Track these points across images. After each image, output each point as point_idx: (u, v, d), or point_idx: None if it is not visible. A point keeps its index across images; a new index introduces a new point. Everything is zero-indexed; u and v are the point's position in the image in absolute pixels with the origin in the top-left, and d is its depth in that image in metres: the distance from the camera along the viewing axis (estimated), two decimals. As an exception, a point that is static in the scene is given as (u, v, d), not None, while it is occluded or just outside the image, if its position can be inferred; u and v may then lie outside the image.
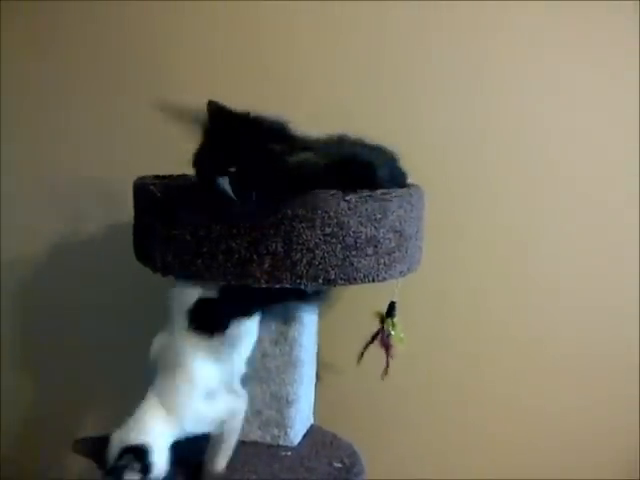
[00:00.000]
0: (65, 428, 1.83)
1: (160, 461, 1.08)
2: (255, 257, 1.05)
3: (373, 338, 1.40)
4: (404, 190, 1.19)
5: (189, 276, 1.11)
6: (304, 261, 1.05)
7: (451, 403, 1.71)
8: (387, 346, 1.39)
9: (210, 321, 1.16)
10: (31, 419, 1.93)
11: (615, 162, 1.59)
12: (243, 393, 1.22)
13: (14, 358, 1.90)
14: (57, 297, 1.87)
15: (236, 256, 1.06)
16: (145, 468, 1.06)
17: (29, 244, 1.84)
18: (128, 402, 1.14)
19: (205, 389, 1.14)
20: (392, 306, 1.38)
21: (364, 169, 1.13)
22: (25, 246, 1.84)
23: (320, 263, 1.06)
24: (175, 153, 1.54)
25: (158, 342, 1.19)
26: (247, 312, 1.20)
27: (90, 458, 1.10)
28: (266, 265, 1.06)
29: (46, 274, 1.86)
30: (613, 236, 1.61)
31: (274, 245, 1.05)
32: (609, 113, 1.57)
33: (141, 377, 1.16)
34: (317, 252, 1.06)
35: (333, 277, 1.08)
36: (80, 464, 1.52)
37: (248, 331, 1.21)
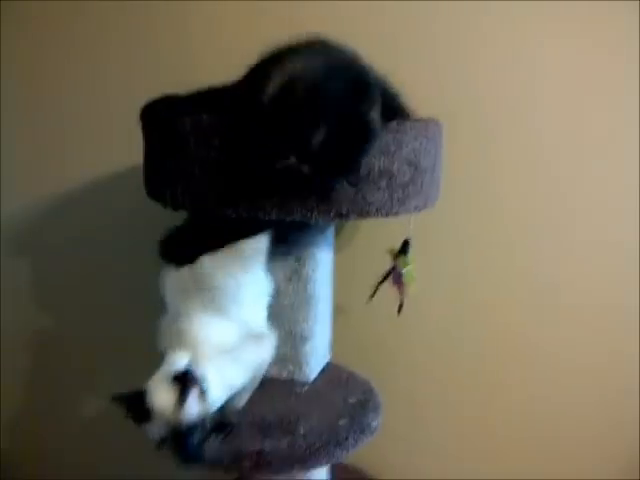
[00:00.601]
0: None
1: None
2: (267, 189, 1.03)
3: (385, 276, 1.38)
4: (420, 122, 1.15)
5: (199, 209, 1.10)
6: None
7: (465, 342, 1.69)
8: (399, 284, 1.36)
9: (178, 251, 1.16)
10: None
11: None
12: (268, 334, 1.20)
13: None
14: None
15: (245, 189, 1.04)
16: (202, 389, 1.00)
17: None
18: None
19: (223, 352, 1.08)
20: (406, 243, 1.35)
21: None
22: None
23: (332, 196, 1.04)
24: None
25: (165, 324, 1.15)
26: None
27: (129, 410, 1.01)
28: (276, 198, 1.03)
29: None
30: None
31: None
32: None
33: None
34: (328, 184, 1.03)
35: (345, 211, 1.05)
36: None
37: (249, 281, 1.18)
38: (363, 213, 1.07)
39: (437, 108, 1.29)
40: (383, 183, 1.07)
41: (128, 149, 1.58)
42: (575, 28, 1.50)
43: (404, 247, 1.35)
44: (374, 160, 1.05)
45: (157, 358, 1.08)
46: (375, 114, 1.00)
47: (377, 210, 1.08)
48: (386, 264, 1.37)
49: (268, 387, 1.30)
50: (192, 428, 0.97)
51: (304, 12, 1.55)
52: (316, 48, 1.08)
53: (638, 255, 1.56)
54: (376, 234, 1.58)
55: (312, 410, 1.24)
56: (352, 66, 1.06)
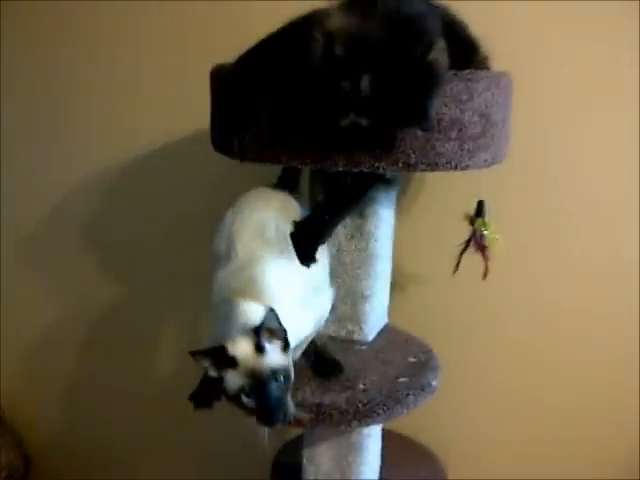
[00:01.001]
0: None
1: None
2: (334, 139, 1.01)
3: (467, 242, 1.33)
4: (492, 73, 1.11)
5: (268, 160, 1.08)
6: (383, 143, 1.01)
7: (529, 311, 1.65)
8: (482, 247, 1.31)
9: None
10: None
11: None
12: (328, 288, 1.19)
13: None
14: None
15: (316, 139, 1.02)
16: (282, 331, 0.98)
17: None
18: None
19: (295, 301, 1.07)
20: (481, 205, 1.30)
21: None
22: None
23: (400, 146, 1.01)
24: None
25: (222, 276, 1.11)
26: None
27: (212, 360, 0.98)
28: (344, 150, 1.02)
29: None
30: None
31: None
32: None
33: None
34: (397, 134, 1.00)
35: (414, 161, 1.03)
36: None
37: None
38: (432, 164, 1.04)
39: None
40: (453, 133, 1.04)
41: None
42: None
43: (479, 209, 1.31)
44: (445, 109, 1.01)
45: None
46: (436, 55, 0.96)
47: (447, 162, 1.05)
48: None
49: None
50: (274, 378, 0.95)
51: None
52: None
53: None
54: (439, 197, 1.55)
55: (371, 368, 1.24)
56: (402, 13, 1.02)
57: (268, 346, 0.96)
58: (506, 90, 1.14)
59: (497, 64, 1.23)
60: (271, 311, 0.96)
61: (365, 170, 1.03)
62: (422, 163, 1.03)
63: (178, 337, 1.92)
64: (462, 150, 1.06)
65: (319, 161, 1.04)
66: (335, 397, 1.12)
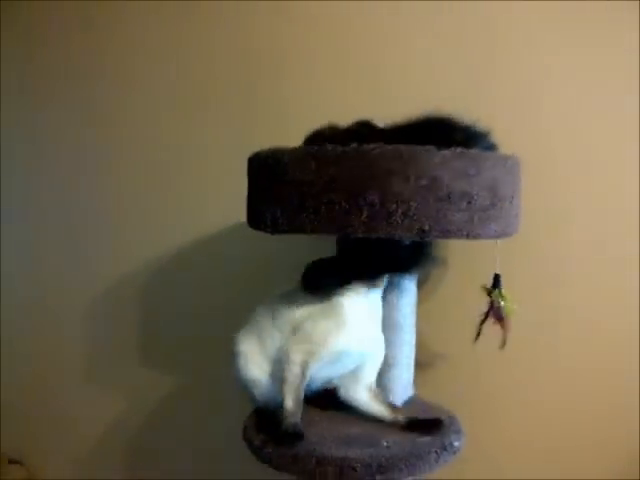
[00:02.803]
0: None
1: None
2: (354, 208, 1.14)
3: (487, 314, 1.41)
4: (498, 153, 1.24)
5: (295, 229, 1.21)
6: (399, 212, 1.13)
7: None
8: (500, 318, 1.40)
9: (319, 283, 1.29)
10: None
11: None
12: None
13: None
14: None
15: (337, 207, 1.15)
16: None
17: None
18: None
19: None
20: (497, 278, 1.40)
21: (448, 121, 1.21)
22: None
23: (415, 214, 1.13)
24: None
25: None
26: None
27: None
28: (364, 215, 1.14)
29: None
30: None
31: (371, 197, 1.13)
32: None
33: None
34: (412, 203, 1.13)
35: (427, 228, 1.14)
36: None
37: None
38: (444, 232, 1.15)
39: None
40: (463, 204, 1.16)
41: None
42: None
43: (496, 281, 1.41)
44: (455, 182, 1.14)
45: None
46: None
47: (458, 230, 1.16)
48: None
49: (352, 410, 1.35)
50: None
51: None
52: None
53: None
54: (459, 270, 1.64)
55: (394, 431, 1.28)
56: None
57: None
58: (513, 170, 1.26)
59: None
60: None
61: (383, 236, 1.15)
62: (435, 230, 1.14)
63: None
64: (472, 219, 1.17)
65: (340, 229, 1.16)
66: (359, 452, 1.16)
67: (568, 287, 1.64)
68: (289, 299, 1.34)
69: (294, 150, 1.22)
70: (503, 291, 1.39)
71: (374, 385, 1.34)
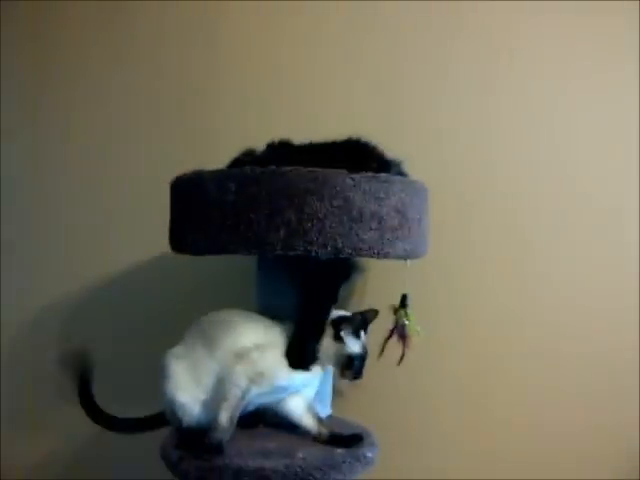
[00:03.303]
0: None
1: None
2: (272, 227, 1.20)
3: (391, 332, 1.51)
4: (406, 178, 1.34)
5: (216, 250, 1.26)
6: (314, 230, 1.20)
7: (463, 397, 1.78)
8: (403, 336, 1.49)
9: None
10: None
11: (615, 160, 1.72)
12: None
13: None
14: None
15: (255, 226, 1.21)
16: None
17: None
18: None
19: None
20: (404, 297, 1.50)
21: (363, 148, 1.31)
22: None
23: (329, 232, 1.20)
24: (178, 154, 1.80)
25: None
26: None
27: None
28: (281, 233, 1.20)
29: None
30: (615, 234, 1.73)
31: (288, 216, 1.20)
32: (609, 113, 1.71)
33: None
34: (326, 222, 1.20)
35: (340, 245, 1.21)
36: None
37: None
38: (356, 249, 1.23)
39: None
40: (374, 224, 1.24)
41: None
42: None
43: (403, 301, 1.50)
44: (365, 203, 1.23)
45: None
46: None
47: (369, 248, 1.24)
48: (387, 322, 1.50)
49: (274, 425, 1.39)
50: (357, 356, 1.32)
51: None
52: None
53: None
54: (377, 293, 1.73)
55: (310, 444, 1.32)
56: None
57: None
58: (420, 194, 1.37)
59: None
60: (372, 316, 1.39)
61: (300, 253, 1.21)
62: (347, 247, 1.22)
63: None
64: (382, 239, 1.25)
65: (258, 247, 1.22)
66: (275, 463, 1.20)
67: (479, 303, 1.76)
68: (226, 326, 1.36)
69: (215, 172, 1.28)
70: (409, 311, 1.48)
71: (313, 406, 1.39)
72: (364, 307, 1.42)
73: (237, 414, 1.27)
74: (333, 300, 1.37)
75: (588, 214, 1.74)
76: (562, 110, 1.75)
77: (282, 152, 1.33)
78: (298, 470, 1.18)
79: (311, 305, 1.35)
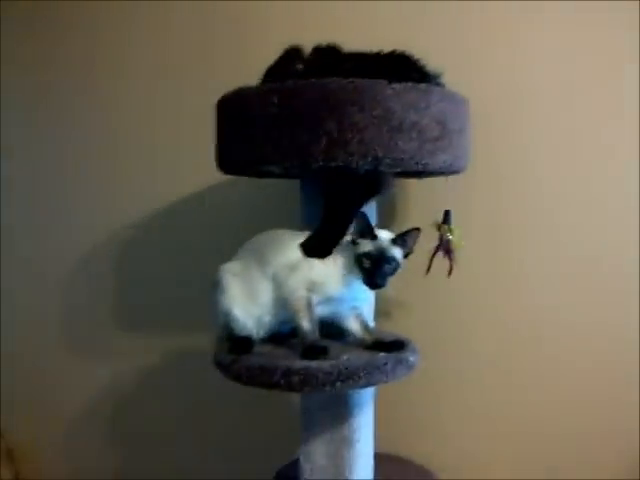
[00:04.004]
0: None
1: None
2: (313, 138, 1.23)
3: (437, 248, 1.53)
4: (446, 89, 1.34)
5: (261, 163, 1.30)
6: (355, 140, 1.22)
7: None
8: (448, 251, 1.52)
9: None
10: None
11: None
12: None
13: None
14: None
15: (297, 138, 1.24)
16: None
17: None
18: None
19: None
20: (447, 213, 1.52)
21: (405, 59, 1.32)
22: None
23: (369, 142, 1.23)
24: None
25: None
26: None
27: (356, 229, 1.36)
28: (323, 144, 1.23)
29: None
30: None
31: (329, 126, 1.22)
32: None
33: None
34: (366, 132, 1.22)
35: (381, 155, 1.24)
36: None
37: None
38: (396, 160, 1.25)
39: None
40: (414, 134, 1.26)
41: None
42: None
43: (446, 217, 1.52)
44: (405, 113, 1.24)
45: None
46: None
47: (410, 158, 1.26)
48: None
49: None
50: (390, 261, 1.33)
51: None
52: None
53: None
54: (416, 207, 1.77)
55: (355, 349, 1.38)
56: None
57: (398, 246, 1.34)
58: (461, 106, 1.37)
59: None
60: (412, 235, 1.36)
61: (341, 164, 1.24)
62: (388, 158, 1.24)
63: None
64: (422, 149, 1.27)
65: (302, 157, 1.25)
66: (321, 364, 1.26)
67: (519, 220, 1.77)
68: (275, 244, 1.42)
69: (257, 87, 1.31)
70: (452, 226, 1.50)
71: (361, 314, 1.44)
72: (408, 226, 1.45)
73: (314, 317, 1.35)
74: (356, 205, 1.39)
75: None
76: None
77: (327, 58, 1.33)
78: (342, 369, 1.24)
79: (334, 207, 1.39)
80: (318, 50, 1.38)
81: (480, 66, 1.75)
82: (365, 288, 1.36)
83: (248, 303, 1.40)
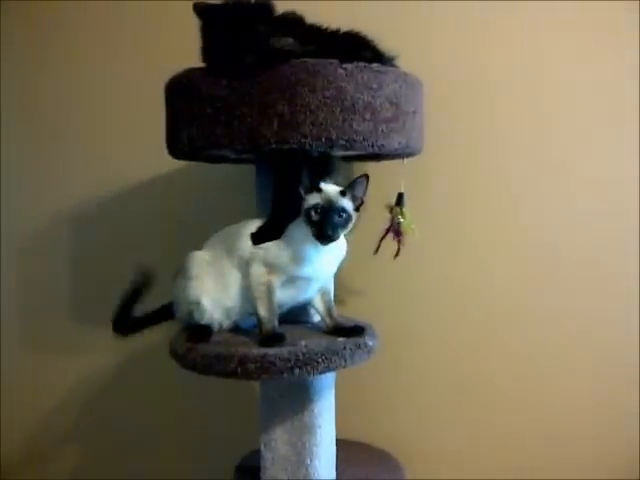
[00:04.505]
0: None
1: None
2: (265, 120, 1.20)
3: (386, 230, 1.53)
4: (400, 70, 1.33)
5: (211, 146, 1.27)
6: (308, 122, 1.20)
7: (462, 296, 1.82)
8: (397, 233, 1.51)
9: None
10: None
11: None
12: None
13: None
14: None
15: (249, 120, 1.21)
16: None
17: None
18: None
19: None
20: (400, 196, 1.51)
21: (359, 39, 1.29)
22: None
23: (322, 124, 1.21)
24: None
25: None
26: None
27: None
28: (275, 126, 1.21)
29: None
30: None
31: (281, 107, 1.20)
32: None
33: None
34: (319, 114, 1.20)
35: (334, 137, 1.22)
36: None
37: None
38: (350, 141, 1.23)
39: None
40: (367, 115, 1.24)
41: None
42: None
43: (399, 200, 1.51)
44: (358, 94, 1.22)
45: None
46: None
47: (364, 139, 1.24)
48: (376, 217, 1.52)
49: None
50: (340, 213, 1.28)
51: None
52: None
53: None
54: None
55: (314, 334, 1.37)
56: None
57: (347, 197, 1.30)
58: (414, 87, 1.36)
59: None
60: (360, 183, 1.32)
61: (294, 146, 1.22)
62: (341, 139, 1.22)
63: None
64: (376, 130, 1.26)
65: (253, 140, 1.22)
66: (279, 350, 1.24)
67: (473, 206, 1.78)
68: (238, 235, 1.40)
69: (205, 68, 1.27)
70: (404, 210, 1.49)
71: (328, 293, 1.44)
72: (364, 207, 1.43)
73: (273, 305, 1.33)
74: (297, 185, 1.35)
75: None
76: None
77: (290, 28, 1.28)
78: (300, 356, 1.22)
79: (282, 191, 1.38)
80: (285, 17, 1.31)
81: (436, 47, 1.74)
82: (326, 261, 1.35)
83: (218, 293, 1.38)
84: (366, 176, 1.31)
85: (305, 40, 1.25)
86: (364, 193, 1.33)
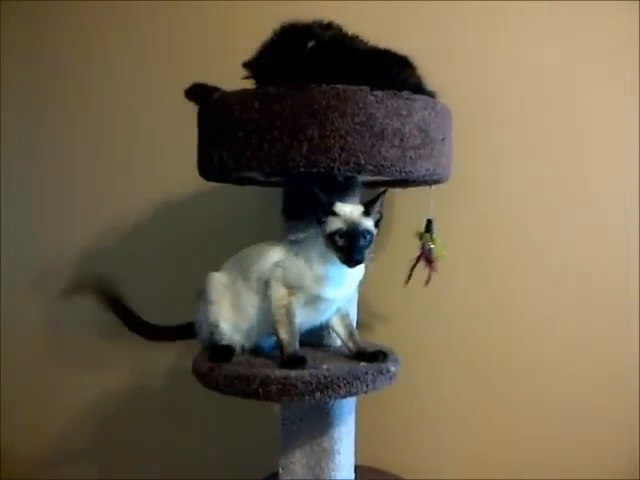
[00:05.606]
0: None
1: None
2: (295, 143, 1.22)
3: (417, 258, 1.52)
4: (429, 97, 1.34)
5: (241, 168, 1.29)
6: (337, 146, 1.22)
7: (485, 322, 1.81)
8: (429, 260, 1.50)
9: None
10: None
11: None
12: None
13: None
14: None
15: (279, 143, 1.23)
16: None
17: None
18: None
19: None
20: (429, 222, 1.51)
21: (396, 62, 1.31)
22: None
23: (351, 149, 1.22)
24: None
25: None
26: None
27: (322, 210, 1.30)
28: (304, 150, 1.22)
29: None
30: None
31: (311, 132, 1.21)
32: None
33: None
34: (348, 139, 1.22)
35: (363, 162, 1.23)
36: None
37: None
38: (378, 166, 1.24)
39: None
40: (396, 141, 1.25)
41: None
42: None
43: (428, 226, 1.51)
44: (388, 120, 1.23)
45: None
46: None
47: (391, 165, 1.25)
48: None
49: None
50: (364, 235, 1.26)
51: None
52: None
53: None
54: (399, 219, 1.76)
55: (336, 358, 1.37)
56: None
57: (369, 217, 1.28)
58: (443, 114, 1.36)
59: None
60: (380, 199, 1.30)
61: (322, 170, 1.23)
62: (370, 164, 1.23)
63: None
64: (405, 156, 1.26)
65: (283, 163, 1.24)
66: (300, 373, 1.24)
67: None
68: (254, 256, 1.41)
69: (239, 91, 1.29)
70: (434, 235, 1.49)
71: (348, 316, 1.43)
72: (391, 234, 1.43)
73: (294, 328, 1.32)
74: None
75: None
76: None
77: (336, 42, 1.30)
78: (322, 379, 1.22)
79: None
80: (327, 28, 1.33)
81: (466, 74, 1.75)
82: (346, 282, 1.34)
83: (236, 316, 1.39)
84: (384, 191, 1.31)
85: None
86: (383, 207, 1.32)
